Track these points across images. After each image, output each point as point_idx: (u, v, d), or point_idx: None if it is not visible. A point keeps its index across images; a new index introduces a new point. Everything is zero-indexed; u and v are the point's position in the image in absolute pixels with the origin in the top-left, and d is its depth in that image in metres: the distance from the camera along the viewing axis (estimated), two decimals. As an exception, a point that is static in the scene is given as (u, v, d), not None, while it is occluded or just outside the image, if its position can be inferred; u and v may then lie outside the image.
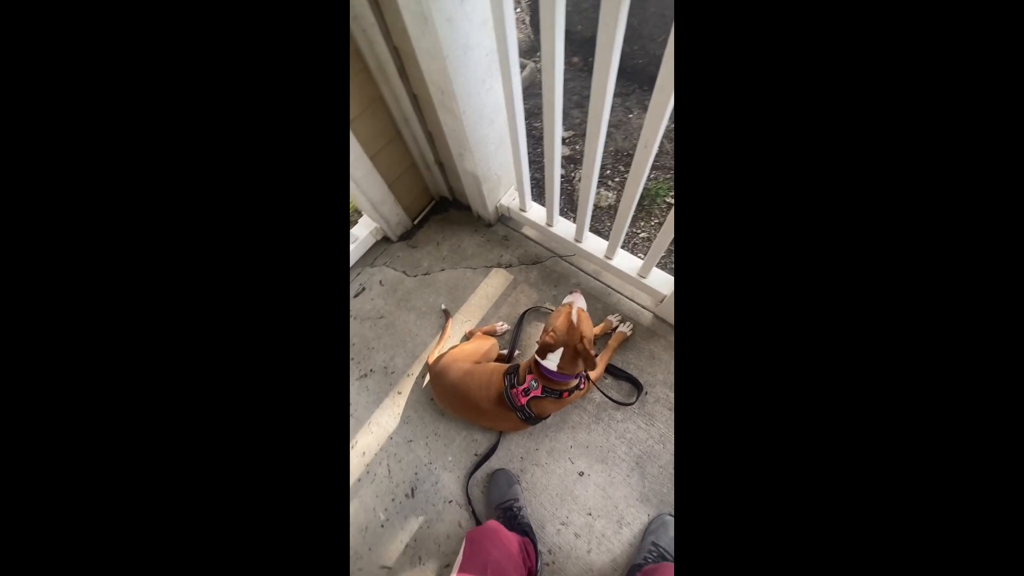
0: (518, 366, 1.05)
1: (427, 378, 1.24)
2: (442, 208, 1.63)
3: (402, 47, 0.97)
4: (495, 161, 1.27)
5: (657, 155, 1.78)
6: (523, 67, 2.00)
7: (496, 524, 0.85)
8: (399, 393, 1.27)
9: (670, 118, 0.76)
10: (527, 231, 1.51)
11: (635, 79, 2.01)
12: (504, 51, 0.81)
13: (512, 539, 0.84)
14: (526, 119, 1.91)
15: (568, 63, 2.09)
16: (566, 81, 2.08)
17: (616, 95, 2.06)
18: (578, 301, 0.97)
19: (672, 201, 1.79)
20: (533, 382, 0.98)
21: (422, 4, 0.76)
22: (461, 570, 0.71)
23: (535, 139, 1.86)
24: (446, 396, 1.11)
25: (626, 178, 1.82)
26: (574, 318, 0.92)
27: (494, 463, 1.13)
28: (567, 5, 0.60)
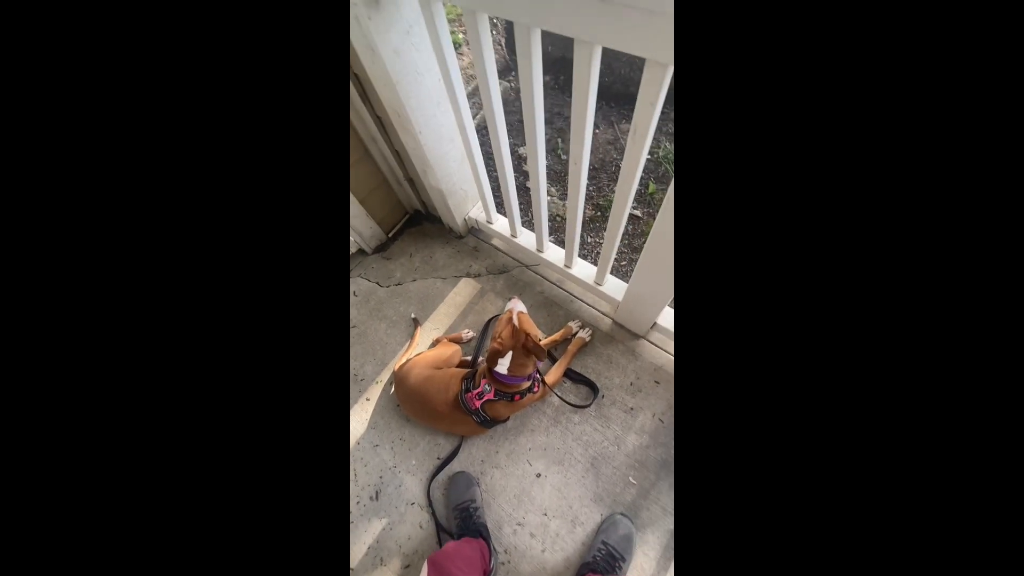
0: (476, 372, 1.09)
1: (393, 385, 1.29)
2: (416, 221, 1.70)
3: (360, 74, 1.05)
4: (459, 176, 1.34)
5: (618, 169, 1.85)
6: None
7: (454, 544, 0.88)
8: (367, 400, 1.31)
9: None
10: (495, 242, 1.57)
11: (599, 97, 2.10)
12: (448, 81, 0.88)
13: (473, 554, 0.87)
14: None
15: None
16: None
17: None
18: (517, 306, 1.03)
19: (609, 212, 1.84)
20: (487, 386, 1.03)
21: (368, 37, 0.84)
22: None
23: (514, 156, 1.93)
24: (408, 401, 1.16)
25: (590, 191, 1.89)
26: (515, 322, 0.97)
27: (455, 466, 1.17)
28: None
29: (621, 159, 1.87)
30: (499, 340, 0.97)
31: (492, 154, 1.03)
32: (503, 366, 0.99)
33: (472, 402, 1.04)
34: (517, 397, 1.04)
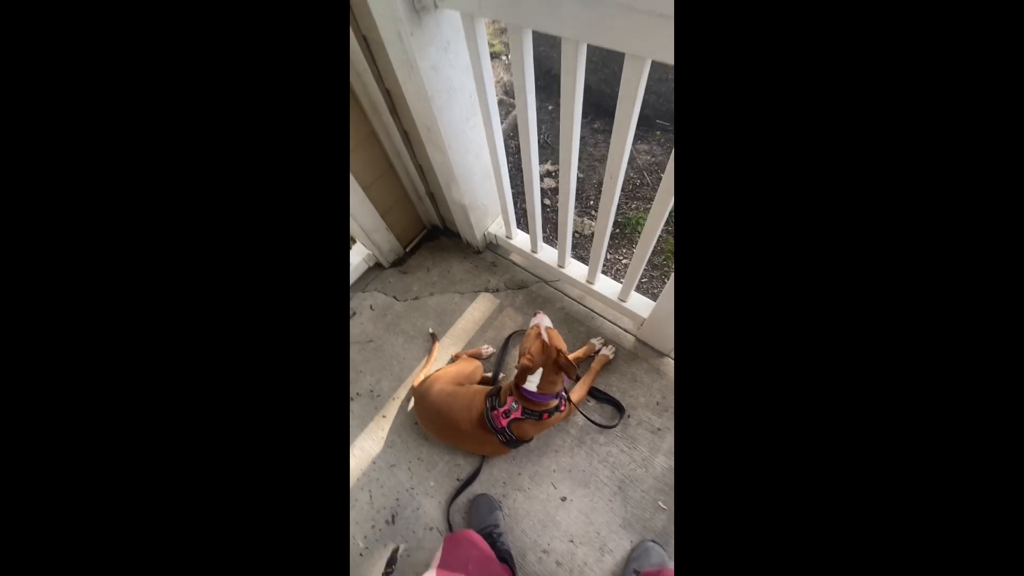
0: (500, 388, 1.06)
1: (412, 401, 1.25)
2: (433, 236, 1.69)
3: (393, 89, 1.06)
4: (481, 191, 1.35)
5: (638, 186, 1.87)
6: (515, 107, 2.12)
7: (475, 533, 0.84)
8: (384, 417, 1.27)
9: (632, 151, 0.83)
10: (514, 257, 1.56)
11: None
12: (483, 97, 0.89)
13: (491, 553, 0.83)
14: (517, 152, 2.02)
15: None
16: (552, 119, 2.21)
17: (600, 132, 2.18)
18: (544, 321, 1.01)
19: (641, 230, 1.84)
20: (513, 403, 1.00)
21: (408, 53, 0.85)
22: (441, 566, 0.69)
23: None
24: (428, 419, 1.12)
25: (610, 208, 1.90)
26: (545, 337, 0.95)
27: (476, 488, 1.12)
28: (555, 54, 0.68)
29: (639, 178, 1.89)
30: (529, 356, 0.95)
31: (513, 170, 1.03)
32: (532, 383, 0.96)
33: (498, 420, 1.01)
34: (545, 416, 1.01)
